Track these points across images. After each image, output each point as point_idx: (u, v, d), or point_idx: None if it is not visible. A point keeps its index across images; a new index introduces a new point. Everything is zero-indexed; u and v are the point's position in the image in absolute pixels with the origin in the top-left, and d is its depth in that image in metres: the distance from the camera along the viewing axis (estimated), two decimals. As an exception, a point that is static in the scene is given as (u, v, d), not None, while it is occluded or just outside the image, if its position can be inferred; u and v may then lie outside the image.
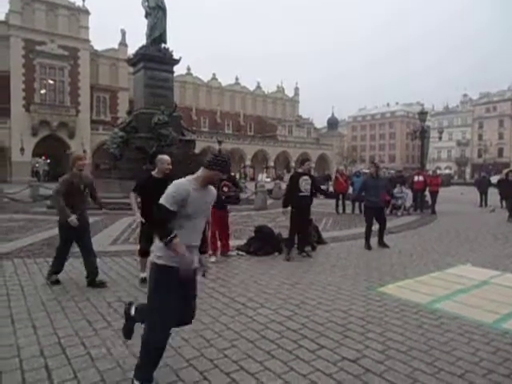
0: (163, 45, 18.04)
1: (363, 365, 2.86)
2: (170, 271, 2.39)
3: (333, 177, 17.82)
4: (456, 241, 8.30)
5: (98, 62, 48.93)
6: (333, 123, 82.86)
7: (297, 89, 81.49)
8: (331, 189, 15.53)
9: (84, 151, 38.58)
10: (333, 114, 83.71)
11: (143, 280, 4.67)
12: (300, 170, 6.72)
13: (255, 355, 2.99)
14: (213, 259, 6.00)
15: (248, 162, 59.57)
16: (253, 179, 47.76)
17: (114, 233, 8.44)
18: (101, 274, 4.82)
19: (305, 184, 6.37)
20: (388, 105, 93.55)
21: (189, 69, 67.07)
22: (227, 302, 4.20)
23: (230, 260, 6.23)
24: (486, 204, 16.85)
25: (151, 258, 2.61)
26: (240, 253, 6.55)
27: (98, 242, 6.82)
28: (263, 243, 6.65)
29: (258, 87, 77.00)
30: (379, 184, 7.46)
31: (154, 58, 17.46)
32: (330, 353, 3.05)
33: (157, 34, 17.73)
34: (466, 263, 6.09)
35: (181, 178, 2.50)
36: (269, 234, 6.76)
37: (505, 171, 14.78)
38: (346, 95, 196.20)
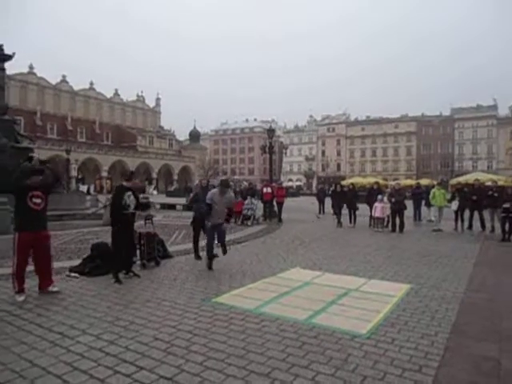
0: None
1: (178, 381, 2.84)
2: None
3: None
4: (293, 246, 9.20)
5: None
6: (195, 136, 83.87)
7: (158, 99, 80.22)
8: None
9: None
10: (194, 127, 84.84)
11: None
12: (125, 184, 6.13)
13: (60, 392, 2.68)
14: (22, 298, 4.73)
15: (104, 174, 55.56)
16: (110, 191, 44.54)
17: None
18: None
19: (129, 200, 5.86)
20: (247, 120, 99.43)
21: (32, 67, 59.52)
22: (42, 333, 3.70)
23: (55, 284, 5.18)
24: (323, 212, 19.28)
25: None
26: (72, 274, 5.93)
27: None
28: (101, 262, 6.17)
29: (116, 94, 73.04)
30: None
31: (-23, 50, 14.87)
32: (148, 373, 2.95)
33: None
34: (295, 266, 6.78)
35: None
36: (106, 252, 6.29)
37: (334, 184, 17.17)
38: (207, 110, 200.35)
